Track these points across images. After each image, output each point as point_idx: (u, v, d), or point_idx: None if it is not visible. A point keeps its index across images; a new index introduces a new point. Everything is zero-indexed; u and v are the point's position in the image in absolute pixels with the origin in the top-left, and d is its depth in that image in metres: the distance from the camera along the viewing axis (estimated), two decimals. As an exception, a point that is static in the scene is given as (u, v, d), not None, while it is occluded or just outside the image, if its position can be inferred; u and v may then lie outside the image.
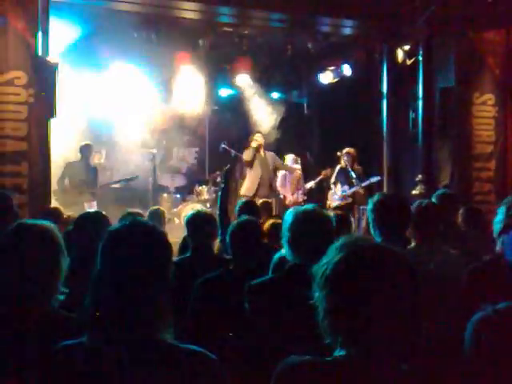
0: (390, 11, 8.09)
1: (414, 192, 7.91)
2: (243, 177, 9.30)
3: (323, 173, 9.21)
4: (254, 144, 8.76)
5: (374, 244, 1.47)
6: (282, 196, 9.23)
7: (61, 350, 1.59)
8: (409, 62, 8.55)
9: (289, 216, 2.53)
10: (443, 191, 4.65)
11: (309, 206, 2.57)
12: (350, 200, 8.58)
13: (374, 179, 8.53)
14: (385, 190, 8.85)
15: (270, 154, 8.98)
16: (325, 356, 1.41)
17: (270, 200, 7.12)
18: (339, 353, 1.39)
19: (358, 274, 1.36)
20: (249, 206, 4.72)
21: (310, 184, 9.43)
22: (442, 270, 2.94)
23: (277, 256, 3.41)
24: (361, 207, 8.29)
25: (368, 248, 1.42)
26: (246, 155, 8.80)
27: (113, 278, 1.54)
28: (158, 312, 1.55)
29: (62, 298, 2.00)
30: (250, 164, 8.74)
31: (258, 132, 9.18)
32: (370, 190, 8.60)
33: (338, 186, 8.82)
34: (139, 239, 1.58)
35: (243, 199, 5.04)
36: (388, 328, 1.34)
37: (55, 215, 4.96)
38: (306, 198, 9.24)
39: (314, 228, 2.41)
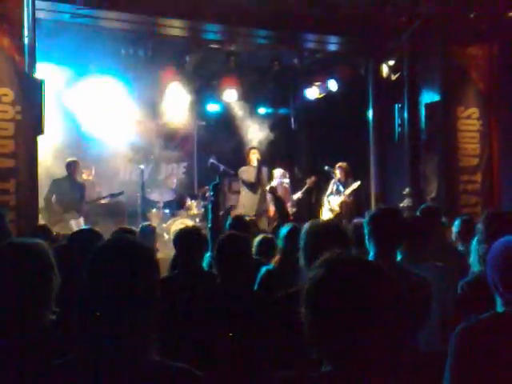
0: (374, 27, 8.22)
1: (401, 205, 7.96)
2: (233, 191, 9.31)
3: (308, 181, 9.29)
4: (255, 163, 8.75)
5: (356, 259, 1.48)
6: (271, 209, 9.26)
7: (50, 368, 1.58)
8: (394, 77, 8.66)
9: (305, 228, 2.60)
10: (427, 205, 4.68)
11: (325, 218, 2.64)
12: (338, 211, 8.63)
13: (355, 185, 8.62)
14: (372, 203, 8.91)
15: (265, 170, 9.03)
16: (312, 371, 1.42)
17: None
18: (326, 368, 1.40)
19: (340, 290, 1.37)
20: (239, 221, 4.72)
21: (297, 195, 9.49)
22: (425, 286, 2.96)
23: (264, 269, 3.43)
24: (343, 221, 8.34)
25: (350, 263, 1.43)
26: (249, 176, 8.75)
27: (98, 297, 1.54)
28: (144, 329, 1.55)
29: (53, 317, 1.99)
30: (254, 186, 8.71)
31: (254, 148, 9.17)
32: (358, 203, 8.68)
33: (331, 198, 8.90)
34: (125, 257, 1.57)
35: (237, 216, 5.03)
36: (372, 342, 1.34)
37: (44, 232, 4.94)
38: (295, 209, 9.30)
39: (331, 239, 2.45)
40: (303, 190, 9.45)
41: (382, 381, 1.37)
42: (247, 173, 8.85)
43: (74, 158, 8.75)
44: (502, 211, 3.28)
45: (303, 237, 2.57)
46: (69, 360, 1.56)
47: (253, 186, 8.74)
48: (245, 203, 8.76)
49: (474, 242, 3.24)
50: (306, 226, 2.62)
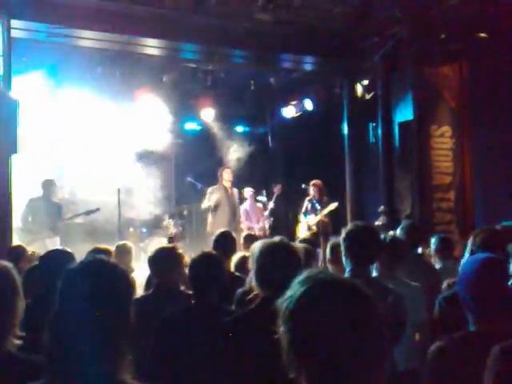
0: (348, 47, 8.36)
1: (376, 223, 8.03)
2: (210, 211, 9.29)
3: (276, 189, 9.39)
4: (226, 183, 8.86)
5: (336, 278, 1.48)
6: (244, 227, 9.30)
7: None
8: (368, 97, 8.80)
9: (256, 249, 2.56)
10: (408, 223, 4.73)
11: (276, 238, 2.61)
12: (315, 230, 8.68)
13: (333, 206, 8.68)
14: (348, 221, 8.97)
15: (236, 191, 9.10)
16: None
17: (253, 232, 7.15)
18: (305, 387, 1.40)
19: (320, 308, 1.37)
20: (225, 237, 4.68)
21: (270, 206, 9.48)
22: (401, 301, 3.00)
23: (239, 291, 3.42)
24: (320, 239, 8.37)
25: (330, 282, 1.43)
26: (219, 195, 8.82)
27: (71, 317, 1.51)
28: (117, 351, 1.53)
29: (18, 342, 1.93)
30: (224, 205, 8.80)
31: (226, 168, 9.25)
32: (334, 221, 8.73)
33: (306, 217, 8.97)
34: (99, 278, 1.56)
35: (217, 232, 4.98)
36: (352, 362, 1.35)
37: (19, 253, 4.88)
38: (271, 219, 9.37)
39: (281, 260, 2.42)
40: (273, 199, 9.53)
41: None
42: (217, 192, 8.92)
43: (50, 178, 8.68)
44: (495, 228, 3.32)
45: (255, 258, 2.54)
46: None
47: (222, 206, 8.83)
48: (214, 222, 8.83)
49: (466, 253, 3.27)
50: (257, 247, 2.58)
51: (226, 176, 8.99)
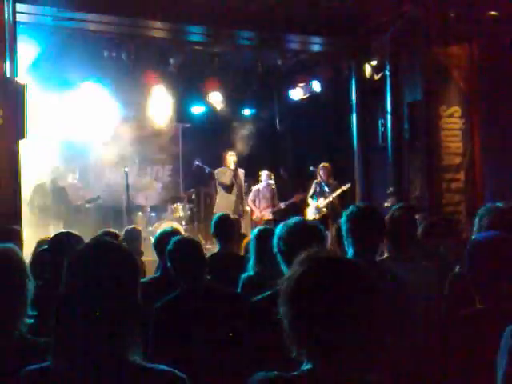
0: (357, 27, 8.27)
1: (385, 204, 8.01)
2: (217, 192, 9.33)
3: (296, 196, 9.32)
4: (232, 165, 8.87)
5: (335, 257, 1.49)
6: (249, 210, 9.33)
7: (25, 375, 1.56)
8: (376, 77, 8.71)
9: (282, 229, 2.54)
10: (402, 204, 4.71)
11: (299, 219, 2.60)
12: (325, 212, 8.68)
13: (345, 187, 8.67)
14: (357, 202, 8.95)
15: (242, 172, 9.11)
16: (291, 370, 1.42)
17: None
18: (305, 366, 1.40)
19: (320, 287, 1.37)
20: (224, 221, 4.62)
21: (281, 205, 9.46)
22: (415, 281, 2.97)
23: (245, 276, 3.42)
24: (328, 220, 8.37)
25: (329, 261, 1.44)
26: (225, 178, 8.88)
27: (77, 299, 1.52)
28: (125, 332, 1.54)
29: (30, 321, 1.97)
30: (230, 188, 8.83)
31: (230, 150, 9.25)
32: (343, 202, 8.72)
33: (314, 200, 8.96)
34: (105, 259, 1.56)
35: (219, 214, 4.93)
36: (351, 340, 1.35)
37: (13, 235, 4.86)
38: (272, 217, 9.30)
39: (309, 240, 2.33)
40: (288, 202, 9.47)
41: (362, 377, 1.38)
42: (224, 175, 8.97)
43: (58, 164, 8.75)
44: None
45: (282, 238, 2.50)
46: (44, 367, 1.54)
47: (229, 188, 8.89)
48: (221, 204, 8.89)
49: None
50: (283, 227, 2.55)
51: (231, 158, 9.00)
